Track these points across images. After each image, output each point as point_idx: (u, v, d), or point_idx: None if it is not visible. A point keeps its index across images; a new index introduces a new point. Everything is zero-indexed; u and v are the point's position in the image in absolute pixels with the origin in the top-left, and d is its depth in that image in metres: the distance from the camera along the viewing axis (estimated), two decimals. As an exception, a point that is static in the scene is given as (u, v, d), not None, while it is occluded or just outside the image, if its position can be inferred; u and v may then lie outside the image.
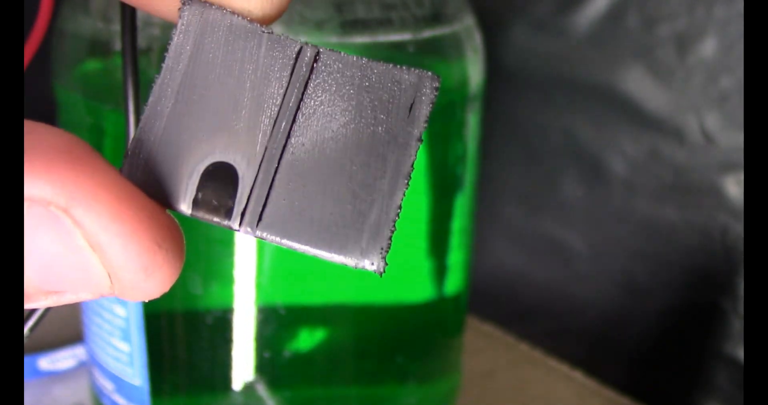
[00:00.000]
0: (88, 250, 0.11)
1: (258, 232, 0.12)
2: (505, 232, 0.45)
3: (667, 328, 0.40)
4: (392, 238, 0.13)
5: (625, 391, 0.40)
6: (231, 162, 0.12)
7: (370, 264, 0.12)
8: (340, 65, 0.13)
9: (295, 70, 0.13)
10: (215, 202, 0.12)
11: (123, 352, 0.30)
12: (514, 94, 0.42)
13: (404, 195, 0.13)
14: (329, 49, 0.13)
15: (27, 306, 0.12)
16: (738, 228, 0.37)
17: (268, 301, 0.29)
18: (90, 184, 0.11)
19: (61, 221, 0.11)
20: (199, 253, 0.28)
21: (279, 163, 0.12)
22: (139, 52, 0.21)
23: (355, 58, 0.13)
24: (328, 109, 0.13)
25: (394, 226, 0.13)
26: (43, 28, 0.23)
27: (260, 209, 0.12)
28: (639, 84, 0.38)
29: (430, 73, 0.13)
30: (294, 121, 0.13)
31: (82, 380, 0.38)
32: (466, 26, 0.30)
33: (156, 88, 0.13)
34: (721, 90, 0.36)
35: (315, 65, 0.13)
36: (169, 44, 0.13)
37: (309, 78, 0.13)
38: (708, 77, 0.36)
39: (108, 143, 0.29)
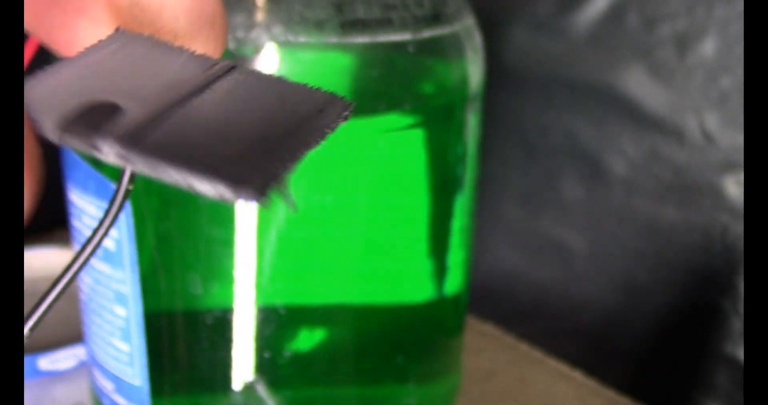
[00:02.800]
0: None
1: (125, 151, 0.12)
2: (505, 232, 0.45)
3: (667, 328, 0.40)
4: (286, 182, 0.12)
5: (625, 391, 0.40)
6: (118, 101, 0.12)
7: (252, 192, 0.11)
8: (254, 77, 0.13)
9: (209, 72, 0.13)
10: (87, 125, 0.12)
11: (123, 352, 0.30)
12: (514, 94, 0.42)
13: (299, 160, 0.12)
14: (248, 68, 0.13)
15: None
16: (738, 228, 0.37)
17: (268, 301, 0.29)
18: None
19: None
20: (199, 253, 0.28)
21: (172, 115, 0.12)
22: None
23: (269, 75, 0.13)
24: (235, 97, 0.13)
25: (287, 169, 0.12)
26: (43, 28, 0.23)
27: (138, 133, 0.12)
28: (639, 84, 0.38)
29: (342, 99, 0.13)
30: (197, 97, 0.12)
31: (82, 380, 0.38)
32: (466, 26, 0.30)
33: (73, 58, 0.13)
34: (721, 90, 0.36)
35: (229, 73, 0.13)
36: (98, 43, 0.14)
37: (221, 76, 0.13)
38: (708, 77, 0.36)
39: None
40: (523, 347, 0.43)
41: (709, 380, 0.39)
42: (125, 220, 0.28)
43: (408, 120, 0.29)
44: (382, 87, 0.28)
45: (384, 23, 0.27)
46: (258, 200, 0.11)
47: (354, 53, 0.27)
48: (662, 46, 0.37)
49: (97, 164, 0.29)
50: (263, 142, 0.12)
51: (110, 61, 0.13)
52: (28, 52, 0.25)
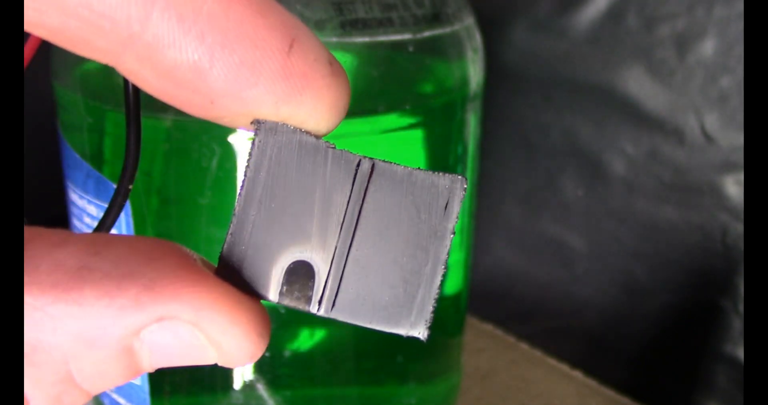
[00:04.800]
0: (208, 347, 0.14)
1: (333, 315, 0.16)
2: (505, 232, 0.45)
3: (667, 328, 0.40)
4: (434, 311, 0.16)
5: (625, 391, 0.40)
6: (308, 260, 0.16)
7: (417, 334, 0.15)
8: (390, 174, 0.16)
9: (355, 180, 0.15)
10: (298, 293, 0.15)
11: (123, 352, 0.30)
12: (514, 94, 0.42)
13: (443, 277, 0.16)
14: (382, 160, 0.16)
15: (131, 379, 0.14)
16: (738, 228, 0.37)
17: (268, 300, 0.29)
18: (210, 301, 0.14)
19: (189, 330, 0.14)
20: (199, 253, 0.28)
21: (347, 260, 0.16)
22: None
23: (401, 168, 0.16)
24: (383, 212, 0.16)
25: (435, 302, 0.16)
26: (43, 28, 0.23)
27: (333, 298, 0.16)
28: (639, 84, 0.38)
29: (460, 177, 0.15)
30: (357, 223, 0.16)
31: (82, 380, 0.38)
32: (466, 26, 0.30)
33: (241, 198, 0.15)
34: (721, 90, 0.36)
35: (371, 176, 0.16)
36: (248, 158, 0.15)
37: (368, 187, 0.16)
38: (708, 77, 0.36)
39: (108, 143, 0.29)
40: (523, 347, 0.43)
41: (709, 380, 0.39)
42: (125, 220, 0.28)
43: (408, 120, 0.29)
44: (382, 87, 0.28)
45: (384, 23, 0.27)
46: (424, 338, 0.15)
47: (354, 53, 0.27)
48: (662, 46, 0.37)
49: (97, 164, 0.29)
50: (415, 280, 0.15)
51: (272, 191, 0.15)
52: (28, 52, 0.25)
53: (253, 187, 0.15)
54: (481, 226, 0.44)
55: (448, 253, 0.16)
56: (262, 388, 0.30)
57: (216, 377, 0.30)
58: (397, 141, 0.29)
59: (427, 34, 0.28)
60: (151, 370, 0.14)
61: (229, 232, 0.16)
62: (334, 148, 0.15)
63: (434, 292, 0.16)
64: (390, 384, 0.32)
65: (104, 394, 0.32)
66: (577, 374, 0.41)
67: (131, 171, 0.19)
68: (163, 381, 0.30)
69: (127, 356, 0.14)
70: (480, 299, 0.44)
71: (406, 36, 0.28)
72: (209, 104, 0.15)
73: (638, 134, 0.38)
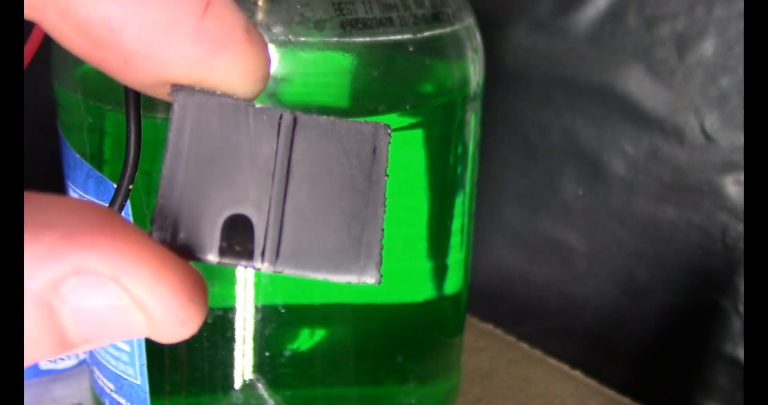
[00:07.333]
0: (133, 309, 0.13)
1: (278, 268, 0.15)
2: (505, 232, 0.45)
3: (667, 328, 0.40)
4: (382, 253, 0.15)
5: (625, 391, 0.40)
6: (243, 213, 0.15)
7: (370, 278, 0.15)
8: (314, 125, 0.15)
9: (280, 133, 0.15)
10: (238, 249, 0.15)
11: (123, 352, 0.30)
12: (514, 94, 0.42)
13: (384, 218, 0.15)
14: (303, 113, 0.15)
15: (67, 353, 0.13)
16: (738, 228, 0.37)
17: (269, 300, 0.29)
18: (132, 254, 0.13)
19: (110, 287, 0.13)
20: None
21: (284, 209, 0.15)
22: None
23: (324, 118, 0.15)
24: (313, 160, 0.15)
25: (381, 243, 0.15)
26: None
27: (276, 249, 0.15)
28: (639, 84, 0.38)
29: (383, 124, 0.16)
30: (288, 173, 0.15)
31: (82, 380, 0.38)
32: (466, 26, 0.30)
33: (167, 161, 0.15)
34: (721, 90, 0.36)
35: (295, 127, 0.15)
36: (170, 123, 0.15)
37: (293, 138, 0.15)
38: (708, 77, 0.36)
39: (108, 143, 0.29)
40: (523, 347, 0.43)
41: (709, 380, 0.39)
42: (125, 220, 0.28)
43: (408, 120, 0.29)
44: (382, 87, 0.28)
45: (384, 23, 0.27)
46: (376, 282, 0.15)
47: (354, 53, 0.27)
48: (662, 46, 0.37)
49: (98, 164, 0.29)
50: (357, 222, 0.15)
51: (197, 151, 0.15)
52: (28, 52, 0.25)
53: (178, 149, 0.15)
54: (481, 226, 0.44)
55: (384, 195, 0.16)
56: (262, 388, 0.30)
57: (216, 377, 0.30)
58: (397, 141, 0.29)
59: (427, 34, 0.28)
60: (80, 341, 0.13)
61: (159, 195, 0.15)
62: (254, 105, 0.15)
63: (379, 234, 0.15)
64: (390, 384, 0.32)
65: (104, 393, 0.32)
66: (577, 374, 0.41)
67: (131, 171, 0.19)
68: (163, 381, 0.30)
69: (48, 316, 0.13)
70: (480, 299, 0.44)
71: (406, 36, 0.28)
72: (124, 63, 0.15)
73: (638, 134, 0.38)
